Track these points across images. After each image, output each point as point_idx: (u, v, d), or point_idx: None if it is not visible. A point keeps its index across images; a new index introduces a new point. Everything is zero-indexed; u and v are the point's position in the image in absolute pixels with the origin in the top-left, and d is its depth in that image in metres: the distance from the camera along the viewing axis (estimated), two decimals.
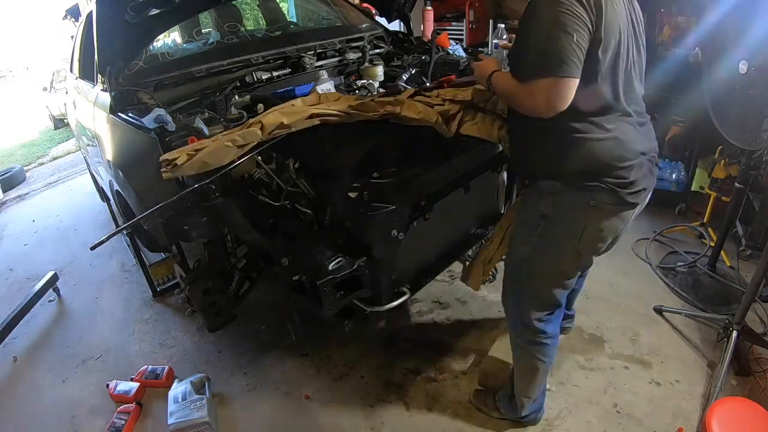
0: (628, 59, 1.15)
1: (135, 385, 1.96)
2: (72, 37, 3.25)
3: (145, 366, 2.06)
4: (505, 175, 1.95)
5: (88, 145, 2.72)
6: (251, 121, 1.32)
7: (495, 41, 1.77)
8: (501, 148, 1.81)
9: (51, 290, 2.70)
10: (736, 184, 2.11)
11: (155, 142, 1.47)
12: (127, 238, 2.67)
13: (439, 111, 1.44)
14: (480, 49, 2.44)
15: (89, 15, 2.46)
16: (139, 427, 1.84)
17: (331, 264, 1.41)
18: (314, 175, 1.42)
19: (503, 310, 1.55)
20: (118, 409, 1.88)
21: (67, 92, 3.30)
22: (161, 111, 1.50)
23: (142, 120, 1.53)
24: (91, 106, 2.23)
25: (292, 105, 1.33)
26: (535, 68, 1.07)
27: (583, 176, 1.17)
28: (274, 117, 1.29)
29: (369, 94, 1.65)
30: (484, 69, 1.29)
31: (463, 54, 2.25)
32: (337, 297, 1.46)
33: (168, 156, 1.27)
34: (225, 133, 1.33)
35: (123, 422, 1.82)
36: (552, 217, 1.25)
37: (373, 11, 2.79)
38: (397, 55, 2.36)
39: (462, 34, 4.34)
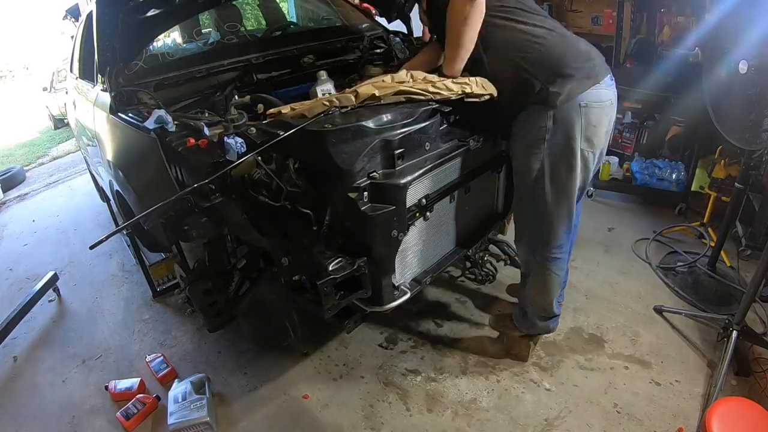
0: None
1: (136, 380, 1.96)
2: (72, 37, 3.25)
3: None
4: (504, 174, 1.96)
5: (88, 145, 2.72)
6: (347, 90, 1.48)
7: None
8: (502, 148, 1.82)
9: (51, 290, 2.70)
10: (736, 184, 2.11)
11: (155, 142, 1.47)
12: (127, 238, 2.67)
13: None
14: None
15: (89, 15, 2.46)
16: (146, 422, 1.84)
17: (331, 264, 1.41)
18: (314, 175, 1.42)
19: (518, 250, 1.77)
20: (138, 396, 1.89)
21: (67, 92, 3.30)
22: (161, 112, 1.50)
23: (144, 122, 1.53)
24: (91, 106, 2.23)
25: (383, 81, 1.48)
26: None
27: (555, 75, 1.39)
28: (368, 89, 1.44)
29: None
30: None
31: None
32: (337, 297, 1.45)
33: (274, 110, 1.47)
34: (324, 96, 1.51)
35: (137, 410, 1.83)
36: (553, 127, 1.44)
37: (373, 11, 2.79)
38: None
39: None
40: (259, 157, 1.37)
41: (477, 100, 1.50)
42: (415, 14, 2.68)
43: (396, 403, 1.81)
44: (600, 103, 1.45)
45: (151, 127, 1.49)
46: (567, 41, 1.46)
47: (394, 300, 1.58)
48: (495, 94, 1.53)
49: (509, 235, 2.33)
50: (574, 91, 1.40)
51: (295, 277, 1.48)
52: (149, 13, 1.77)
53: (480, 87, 1.50)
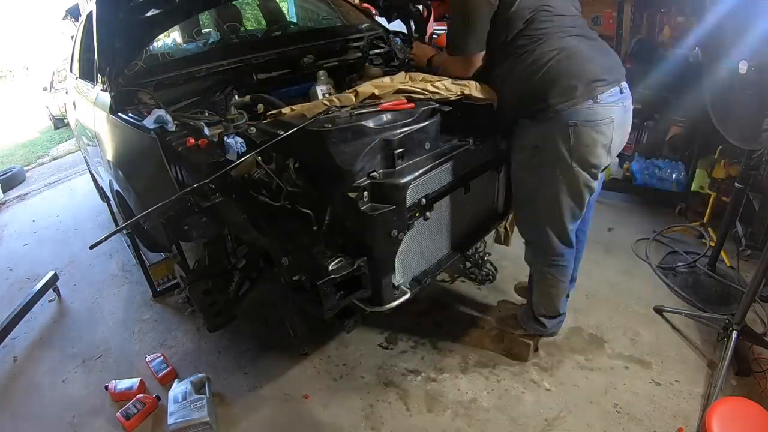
0: None
1: (136, 380, 1.96)
2: (72, 37, 3.25)
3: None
4: (504, 174, 1.96)
5: (88, 145, 2.72)
6: (347, 90, 1.51)
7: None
8: (502, 148, 1.82)
9: (51, 290, 2.70)
10: (736, 184, 2.11)
11: (155, 142, 1.47)
12: (127, 238, 2.67)
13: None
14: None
15: (89, 15, 2.46)
16: (146, 422, 1.84)
17: (331, 264, 1.41)
18: (314, 175, 1.42)
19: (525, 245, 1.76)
20: (138, 396, 1.89)
21: (67, 92, 3.30)
22: (161, 111, 1.51)
23: (143, 121, 1.53)
24: (91, 106, 2.23)
25: (382, 81, 1.52)
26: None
27: (548, 101, 1.37)
28: (367, 88, 1.47)
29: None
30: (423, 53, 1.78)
31: None
32: (337, 297, 1.45)
33: (275, 111, 1.49)
34: (324, 96, 1.56)
35: (137, 410, 1.83)
36: (542, 146, 1.44)
37: (373, 11, 2.79)
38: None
39: None
40: (259, 157, 1.37)
41: (475, 102, 1.52)
42: None
43: (396, 403, 1.81)
44: (594, 122, 1.39)
45: (150, 127, 1.49)
46: (576, 60, 1.39)
47: (394, 300, 1.58)
48: (495, 99, 1.54)
49: (512, 247, 2.34)
50: (564, 108, 1.37)
51: (295, 277, 1.48)
52: (149, 13, 1.77)
53: (479, 91, 1.51)
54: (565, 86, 1.36)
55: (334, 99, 1.45)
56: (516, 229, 2.26)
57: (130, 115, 1.71)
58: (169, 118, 1.50)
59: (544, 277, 1.72)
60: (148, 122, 1.49)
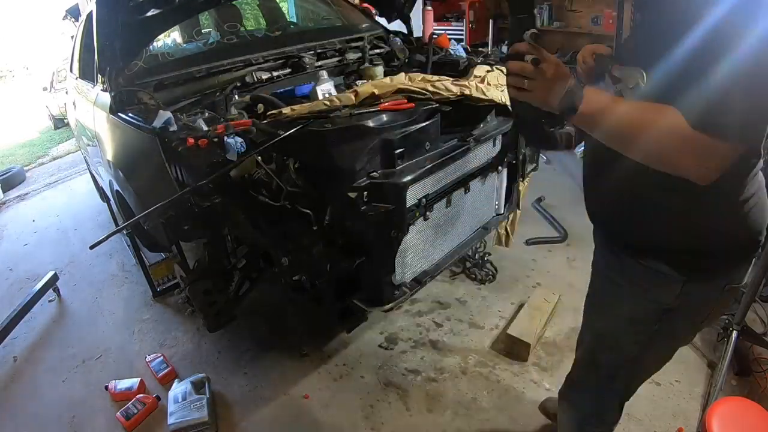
0: None
1: (136, 380, 1.96)
2: (72, 37, 3.26)
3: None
4: (505, 174, 1.96)
5: (88, 145, 2.72)
6: (348, 90, 1.53)
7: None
8: (500, 149, 1.82)
9: (51, 290, 2.70)
10: None
11: (155, 142, 1.47)
12: (127, 238, 2.67)
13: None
14: (480, 49, 2.45)
15: (89, 15, 2.46)
16: (146, 422, 1.84)
17: (331, 264, 1.41)
18: (314, 175, 1.43)
19: (562, 406, 1.35)
20: (138, 396, 1.89)
21: (67, 92, 3.30)
22: (169, 114, 1.51)
23: (152, 123, 1.53)
24: (91, 106, 2.23)
25: (382, 81, 1.53)
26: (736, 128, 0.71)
27: (736, 254, 0.94)
28: (367, 88, 1.49)
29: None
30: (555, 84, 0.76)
31: (463, 54, 2.25)
32: (337, 297, 1.46)
33: (275, 111, 1.52)
34: (324, 96, 1.57)
35: (137, 410, 1.83)
36: (678, 309, 0.97)
37: (373, 11, 2.79)
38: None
39: (462, 34, 4.35)
40: (259, 157, 1.37)
41: (475, 103, 1.52)
42: (415, 14, 2.68)
43: (396, 403, 1.81)
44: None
45: (159, 127, 1.50)
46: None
47: (394, 300, 1.58)
48: (497, 101, 1.53)
49: (512, 247, 2.35)
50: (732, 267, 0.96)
51: (295, 277, 1.48)
52: (149, 13, 1.77)
53: (479, 92, 1.51)
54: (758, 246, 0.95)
55: (334, 99, 1.45)
56: (510, 232, 2.25)
57: (130, 115, 1.71)
58: (173, 120, 1.50)
59: None
60: (157, 123, 1.50)
